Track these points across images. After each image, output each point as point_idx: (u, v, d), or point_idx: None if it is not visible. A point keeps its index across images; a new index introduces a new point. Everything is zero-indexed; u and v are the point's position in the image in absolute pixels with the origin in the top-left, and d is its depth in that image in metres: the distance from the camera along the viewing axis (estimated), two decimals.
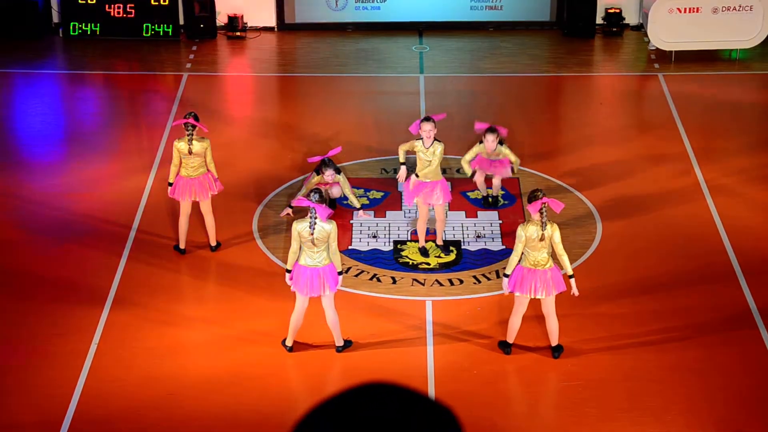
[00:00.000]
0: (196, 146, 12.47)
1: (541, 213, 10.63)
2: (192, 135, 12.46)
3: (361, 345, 11.42)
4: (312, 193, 10.85)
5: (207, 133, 12.83)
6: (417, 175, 12.46)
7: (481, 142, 13.44)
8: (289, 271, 10.97)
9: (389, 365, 11.05)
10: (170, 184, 12.73)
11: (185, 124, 12.49)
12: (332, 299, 11.03)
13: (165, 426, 10.33)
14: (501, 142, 13.43)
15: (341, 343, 11.30)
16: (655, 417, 10.42)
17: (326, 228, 10.71)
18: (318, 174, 13.19)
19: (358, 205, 13.11)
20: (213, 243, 13.00)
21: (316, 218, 10.67)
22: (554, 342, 11.18)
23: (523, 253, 10.80)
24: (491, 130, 13.35)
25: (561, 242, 10.76)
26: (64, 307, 11.95)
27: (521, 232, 10.72)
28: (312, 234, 10.69)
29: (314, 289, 10.86)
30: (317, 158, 13.06)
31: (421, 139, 12.35)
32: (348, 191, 13.00)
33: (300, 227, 10.75)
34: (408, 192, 12.65)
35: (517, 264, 10.84)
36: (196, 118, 12.55)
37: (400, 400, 2.75)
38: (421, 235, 12.92)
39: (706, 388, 10.78)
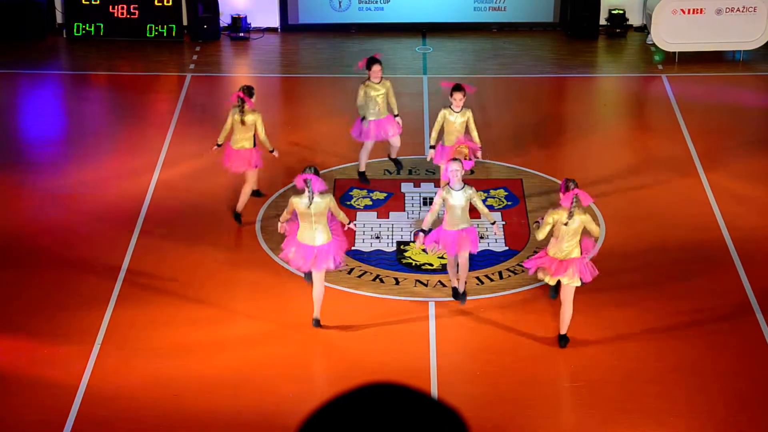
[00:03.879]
0: (249, 118, 13.00)
1: (572, 203, 10.85)
2: (242, 107, 12.97)
3: (364, 346, 11.43)
4: (307, 168, 11.20)
5: (256, 107, 13.19)
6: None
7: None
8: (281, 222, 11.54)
9: (392, 366, 11.05)
10: (218, 145, 13.34)
11: (238, 97, 13.03)
12: (323, 274, 11.39)
13: (168, 427, 10.34)
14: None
15: (318, 317, 11.61)
16: (655, 419, 10.42)
17: (322, 203, 11.04)
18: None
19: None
20: (239, 210, 13.46)
21: (312, 192, 10.98)
22: (563, 330, 11.29)
23: (552, 241, 11.05)
24: (458, 87, 13.26)
25: (592, 222, 11.03)
26: (68, 308, 11.96)
27: (550, 218, 10.91)
28: (309, 207, 11.04)
29: (307, 265, 11.28)
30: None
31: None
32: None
33: (296, 200, 11.14)
34: (432, 238, 11.79)
35: (547, 254, 11.10)
36: (247, 92, 13.03)
37: (405, 401, 2.75)
38: (453, 277, 12.12)
39: (707, 390, 10.78)
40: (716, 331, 11.65)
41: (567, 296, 11.11)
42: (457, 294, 12.03)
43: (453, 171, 11.43)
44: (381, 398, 2.75)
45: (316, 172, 11.13)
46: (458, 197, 11.48)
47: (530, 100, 17.49)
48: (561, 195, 10.93)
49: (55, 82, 18.30)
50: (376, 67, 13.73)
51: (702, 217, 13.78)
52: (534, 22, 20.02)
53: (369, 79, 13.77)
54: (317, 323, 11.61)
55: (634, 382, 10.88)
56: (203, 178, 14.64)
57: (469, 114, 13.21)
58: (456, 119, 13.17)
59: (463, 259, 11.76)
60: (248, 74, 18.88)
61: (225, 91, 18.07)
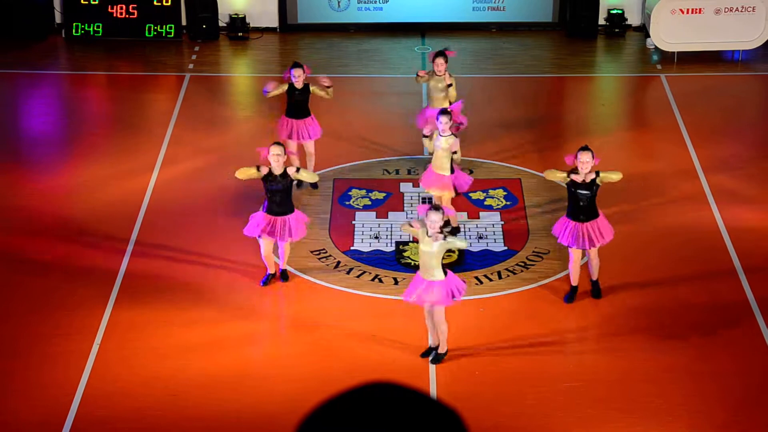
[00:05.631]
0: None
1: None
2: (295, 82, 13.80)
3: (364, 346, 11.43)
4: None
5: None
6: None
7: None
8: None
9: (391, 365, 11.05)
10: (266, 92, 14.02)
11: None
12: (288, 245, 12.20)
13: (168, 426, 10.34)
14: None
15: (284, 268, 12.36)
16: (655, 419, 10.42)
17: (282, 181, 11.74)
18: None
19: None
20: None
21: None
22: (594, 277, 12.07)
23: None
24: (444, 111, 12.70)
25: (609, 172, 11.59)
26: (67, 307, 11.96)
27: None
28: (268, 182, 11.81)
29: (272, 234, 11.86)
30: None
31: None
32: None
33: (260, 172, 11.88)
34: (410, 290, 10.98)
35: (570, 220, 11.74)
36: (300, 68, 13.90)
37: (405, 401, 2.75)
38: (430, 332, 11.23)
39: (706, 391, 10.78)
40: (716, 331, 11.65)
41: (594, 252, 11.80)
42: (429, 352, 11.12)
43: (432, 222, 10.32)
44: (381, 398, 2.75)
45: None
46: (429, 245, 10.47)
47: (529, 100, 17.49)
48: (594, 161, 11.49)
49: (54, 82, 18.30)
50: (438, 60, 14.09)
51: (701, 217, 13.78)
52: (533, 21, 20.02)
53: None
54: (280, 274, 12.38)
55: (634, 382, 10.88)
56: (202, 179, 14.64)
57: (452, 141, 12.63)
58: (441, 144, 12.61)
59: (437, 316, 10.83)
60: (247, 74, 18.88)
61: (224, 91, 18.10)
